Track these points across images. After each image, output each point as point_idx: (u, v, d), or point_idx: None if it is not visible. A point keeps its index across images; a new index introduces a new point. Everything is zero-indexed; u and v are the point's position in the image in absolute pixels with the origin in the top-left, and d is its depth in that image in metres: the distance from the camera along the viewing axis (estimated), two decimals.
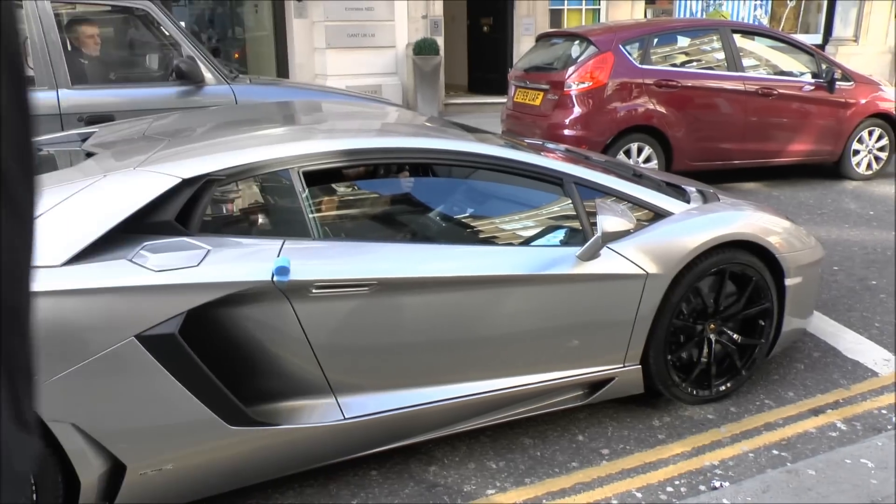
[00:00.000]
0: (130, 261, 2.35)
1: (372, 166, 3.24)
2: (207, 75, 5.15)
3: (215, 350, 2.47)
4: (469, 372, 2.89)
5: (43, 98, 4.90)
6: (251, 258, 2.51)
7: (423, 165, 3.33)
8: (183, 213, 2.53)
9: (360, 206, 3.27)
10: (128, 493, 2.41)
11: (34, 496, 2.29)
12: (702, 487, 2.88)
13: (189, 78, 5.08)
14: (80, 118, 4.91)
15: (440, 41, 11.45)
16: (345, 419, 2.67)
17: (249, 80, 5.72)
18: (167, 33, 5.33)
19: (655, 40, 7.33)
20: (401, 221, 3.23)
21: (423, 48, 11.00)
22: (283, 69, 11.18)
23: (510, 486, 2.90)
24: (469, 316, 2.84)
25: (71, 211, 2.39)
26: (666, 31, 7.62)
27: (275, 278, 2.46)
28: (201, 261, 2.42)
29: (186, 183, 2.53)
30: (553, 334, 3.01)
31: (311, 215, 2.69)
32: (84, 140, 3.41)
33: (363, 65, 11.13)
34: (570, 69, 7.10)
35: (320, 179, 2.89)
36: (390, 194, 3.37)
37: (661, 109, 7.07)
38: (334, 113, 4.00)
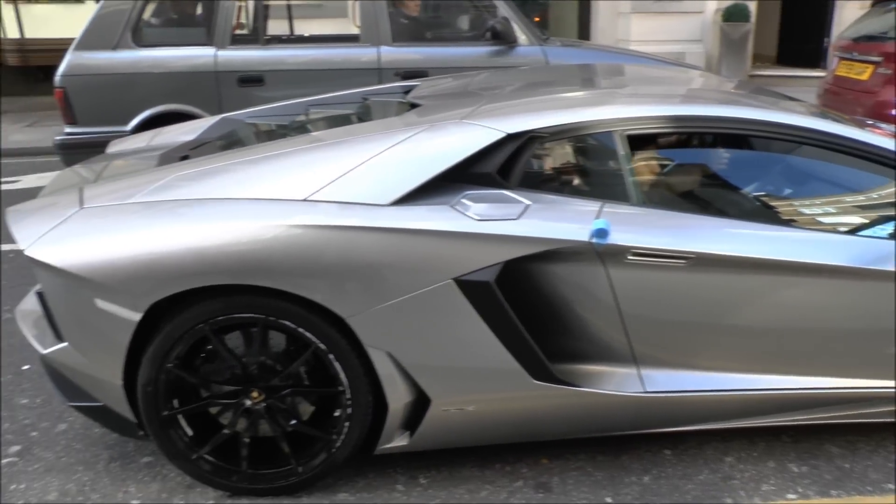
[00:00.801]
0: (453, 207, 2.44)
1: (696, 135, 3.07)
2: (520, 36, 5.23)
3: (522, 302, 2.49)
4: (775, 364, 2.67)
5: (366, 53, 5.28)
6: (570, 217, 2.48)
7: (746, 137, 3.09)
8: (504, 166, 2.57)
9: (680, 176, 3.11)
10: (429, 425, 2.54)
11: (348, 409, 2.49)
12: None
13: (503, 38, 5.19)
14: (396, 73, 5.23)
15: (752, 7, 10.68)
16: (645, 392, 2.59)
17: (560, 43, 5.72)
18: None
19: None
20: (720, 195, 3.03)
21: (732, 14, 10.33)
22: (584, 33, 11.10)
23: (813, 494, 2.65)
24: (783, 305, 2.60)
25: (399, 156, 2.52)
26: None
27: (594, 240, 2.42)
28: (521, 214, 2.44)
29: (510, 138, 2.56)
30: (872, 338, 2.67)
31: (631, 180, 2.62)
32: (406, 92, 3.59)
33: (667, 31, 10.69)
34: None
35: (643, 144, 2.80)
36: (711, 165, 3.18)
37: None
38: (652, 78, 3.85)
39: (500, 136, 2.55)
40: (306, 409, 2.66)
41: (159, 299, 2.35)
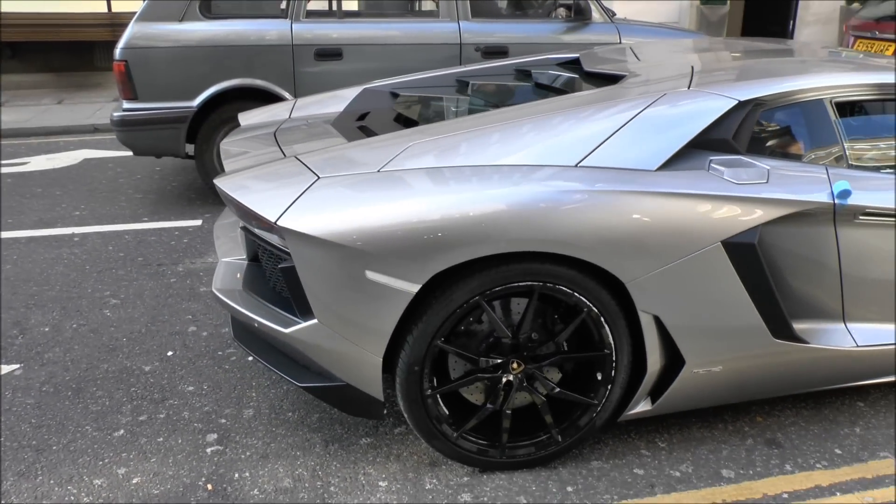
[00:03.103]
0: (708, 172, 2.49)
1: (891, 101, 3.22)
2: (595, 14, 5.30)
3: None
4: None
5: (447, 29, 5.24)
6: (808, 180, 2.58)
7: None
8: (735, 133, 2.64)
9: (887, 139, 3.25)
10: (677, 388, 2.59)
11: (612, 372, 2.55)
12: None
13: (582, 15, 5.25)
14: (476, 48, 5.20)
15: None
16: (857, 346, 2.72)
17: (626, 20, 5.82)
18: None
19: None
20: None
21: None
22: None
23: None
24: None
25: (648, 124, 2.55)
26: None
27: (836, 200, 2.52)
28: (768, 178, 2.52)
29: (741, 105, 2.64)
30: None
31: (844, 144, 2.75)
32: (561, 64, 3.60)
33: (645, 13, 10.97)
34: None
35: (846, 110, 2.92)
36: None
37: None
38: (777, 50, 3.96)
39: (733, 103, 2.63)
40: (553, 375, 2.67)
41: (441, 270, 2.32)
